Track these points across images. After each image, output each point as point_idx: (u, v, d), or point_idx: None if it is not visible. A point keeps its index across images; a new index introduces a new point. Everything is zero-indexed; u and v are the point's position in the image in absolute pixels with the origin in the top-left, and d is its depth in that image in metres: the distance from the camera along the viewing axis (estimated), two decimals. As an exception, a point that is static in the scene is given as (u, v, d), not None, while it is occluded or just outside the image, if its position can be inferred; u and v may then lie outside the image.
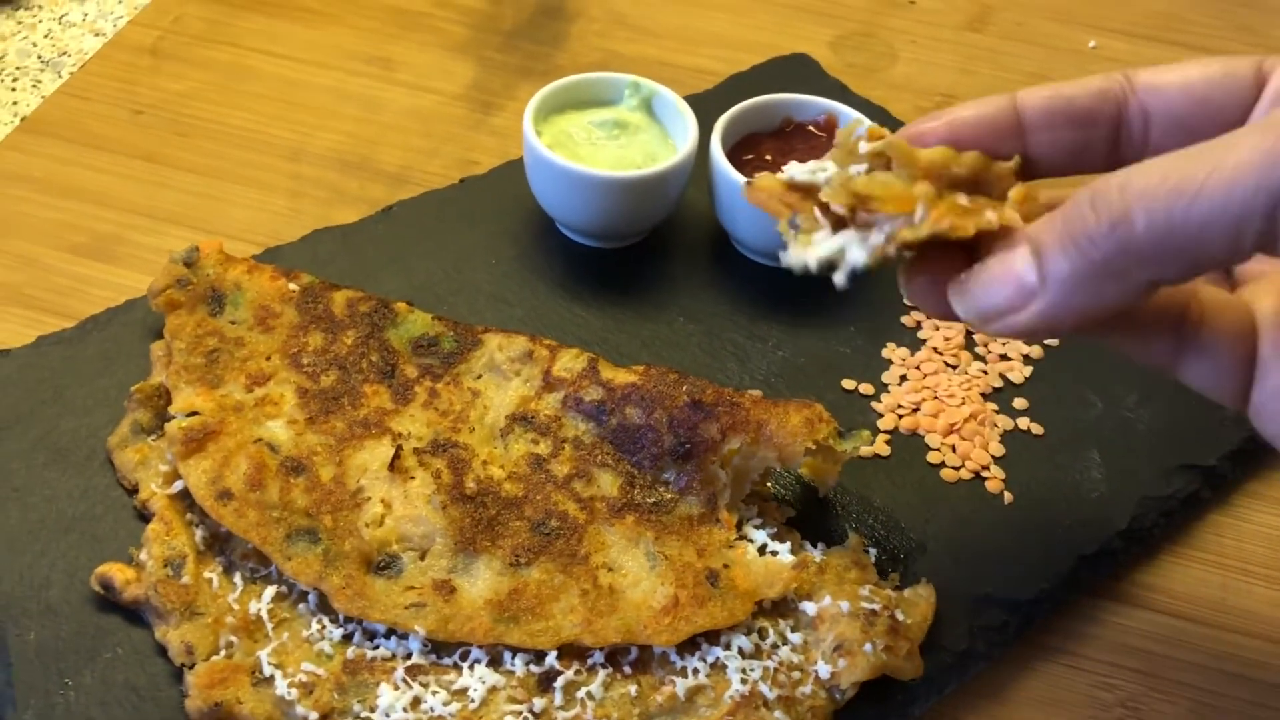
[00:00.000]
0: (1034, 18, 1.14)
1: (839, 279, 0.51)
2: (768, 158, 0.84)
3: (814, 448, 0.66)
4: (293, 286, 0.76)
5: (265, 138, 0.95)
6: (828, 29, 1.10)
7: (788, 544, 0.67)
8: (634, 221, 0.84)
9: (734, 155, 0.83)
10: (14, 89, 1.02)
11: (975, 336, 0.81)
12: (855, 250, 0.50)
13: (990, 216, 0.48)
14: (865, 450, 0.74)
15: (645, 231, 0.86)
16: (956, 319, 0.50)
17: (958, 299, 0.49)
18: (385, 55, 1.03)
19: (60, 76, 1.03)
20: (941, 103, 1.03)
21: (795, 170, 0.52)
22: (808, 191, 0.52)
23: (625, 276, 0.84)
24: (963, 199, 0.49)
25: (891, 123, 0.95)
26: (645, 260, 0.85)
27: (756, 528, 0.68)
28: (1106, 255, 0.43)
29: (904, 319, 0.82)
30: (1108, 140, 0.52)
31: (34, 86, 1.03)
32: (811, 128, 0.86)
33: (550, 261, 0.85)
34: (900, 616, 0.64)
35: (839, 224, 0.51)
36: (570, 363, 0.72)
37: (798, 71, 1.02)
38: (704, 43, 1.07)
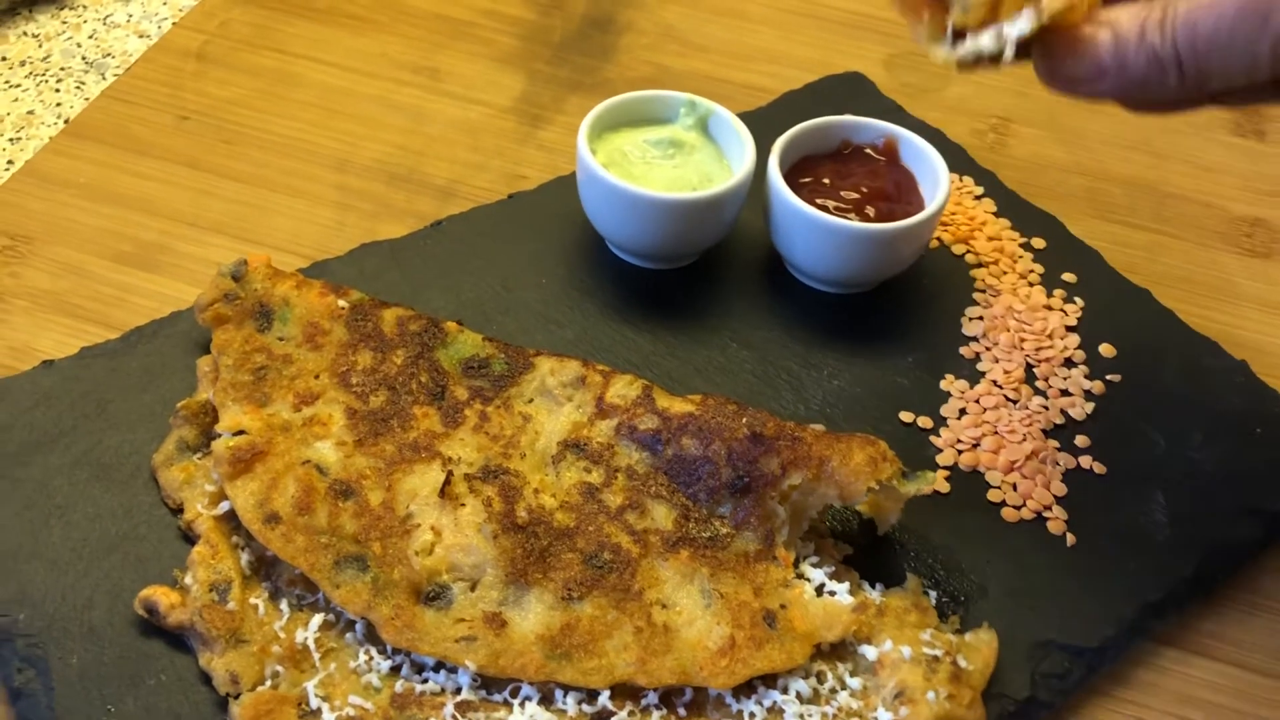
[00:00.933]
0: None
1: (1009, 53, 0.59)
2: (825, 181, 0.82)
3: (877, 487, 0.65)
4: (342, 303, 0.74)
5: (311, 147, 0.93)
6: (880, 47, 1.08)
7: (846, 584, 0.65)
8: (688, 243, 0.82)
9: (790, 177, 0.81)
10: (58, 90, 1.02)
11: (1035, 371, 0.79)
12: (1011, 27, 0.58)
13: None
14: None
15: (698, 253, 0.84)
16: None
17: (1053, 64, 0.57)
18: (433, 65, 1.02)
19: (104, 78, 1.02)
20: (997, 125, 1.01)
21: None
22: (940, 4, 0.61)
23: (677, 299, 0.82)
24: None
25: (949, 146, 0.93)
26: (697, 282, 0.83)
27: (814, 566, 0.66)
28: (1164, 62, 0.54)
29: (962, 350, 0.80)
30: None
31: (78, 88, 1.02)
32: (869, 150, 0.84)
33: (600, 281, 0.83)
34: (962, 663, 0.62)
35: (956, 36, 0.60)
36: (624, 390, 0.71)
37: (852, 91, 1.00)
38: (754, 58, 1.06)
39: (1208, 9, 0.53)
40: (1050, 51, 0.58)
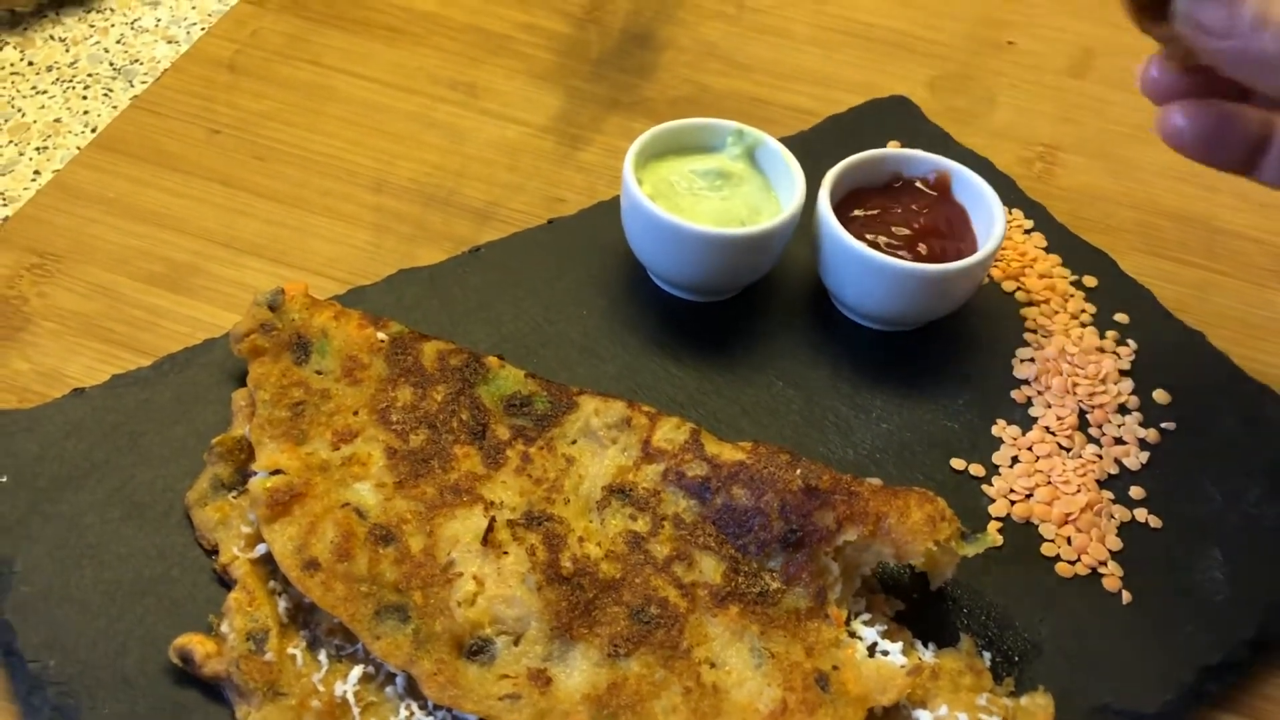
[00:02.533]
0: (1138, 64, 1.09)
1: None
2: (876, 215, 0.80)
3: (935, 548, 0.63)
4: (381, 336, 0.73)
5: (347, 165, 0.91)
6: (924, 68, 1.06)
7: (899, 644, 0.63)
8: (735, 277, 0.80)
9: (840, 210, 0.79)
10: (85, 97, 0.99)
11: (1089, 417, 0.77)
12: None
13: None
14: (977, 539, 0.70)
15: (744, 286, 0.82)
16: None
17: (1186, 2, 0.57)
18: (470, 81, 0.99)
19: (132, 85, 1.00)
20: (1044, 153, 0.99)
21: None
22: None
23: (721, 333, 0.80)
24: None
25: (996, 175, 0.91)
26: (742, 316, 0.81)
27: (866, 624, 0.64)
28: None
29: (1014, 393, 0.78)
30: None
31: (105, 95, 1.00)
32: (920, 184, 0.82)
33: (643, 314, 0.81)
34: (1019, 729, 0.60)
35: None
36: (671, 433, 0.69)
37: (898, 115, 0.98)
38: (797, 78, 1.03)
39: None
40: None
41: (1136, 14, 0.61)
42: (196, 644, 0.60)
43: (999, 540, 0.69)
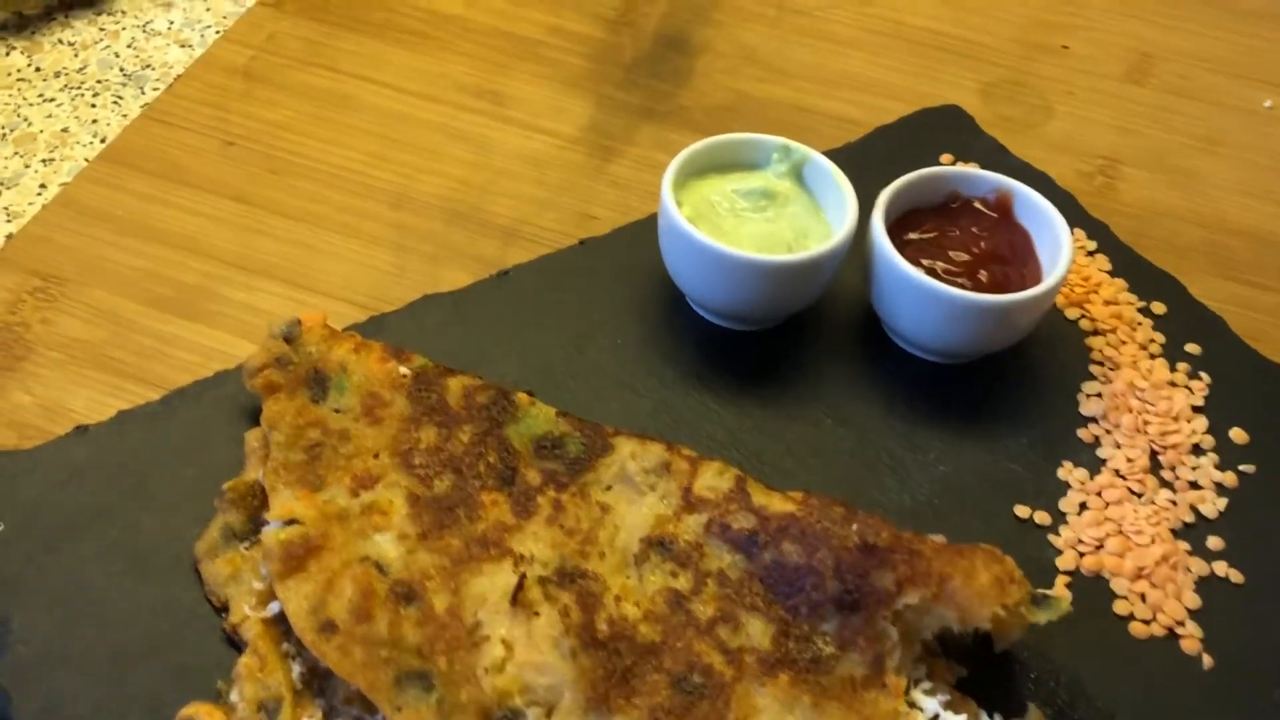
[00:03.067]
0: (1199, 70, 1.03)
1: None
2: (933, 238, 0.75)
3: (1003, 613, 0.58)
4: (404, 370, 0.68)
5: (367, 179, 0.86)
6: (974, 74, 1.00)
7: (963, 716, 0.58)
8: (781, 306, 0.75)
9: (894, 232, 0.74)
10: (94, 104, 0.95)
11: (1160, 458, 0.71)
12: None
13: None
14: (1045, 596, 0.65)
15: (789, 314, 0.77)
16: None
17: None
18: (496, 89, 0.94)
19: (143, 92, 0.96)
20: (1104, 167, 0.93)
21: None
22: None
23: (764, 365, 0.75)
24: None
25: (1056, 192, 0.85)
26: (787, 346, 0.76)
27: (926, 693, 0.59)
28: None
29: (1080, 432, 0.73)
30: None
31: (115, 103, 0.95)
32: (980, 204, 0.77)
33: (681, 344, 0.76)
34: (1096, 813, 0.55)
35: None
36: (714, 480, 0.64)
37: (950, 126, 0.92)
38: (840, 85, 0.98)
39: None
40: None
41: None
42: (204, 714, 0.56)
43: (1069, 602, 0.64)
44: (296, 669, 0.58)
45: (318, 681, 0.58)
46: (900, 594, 0.59)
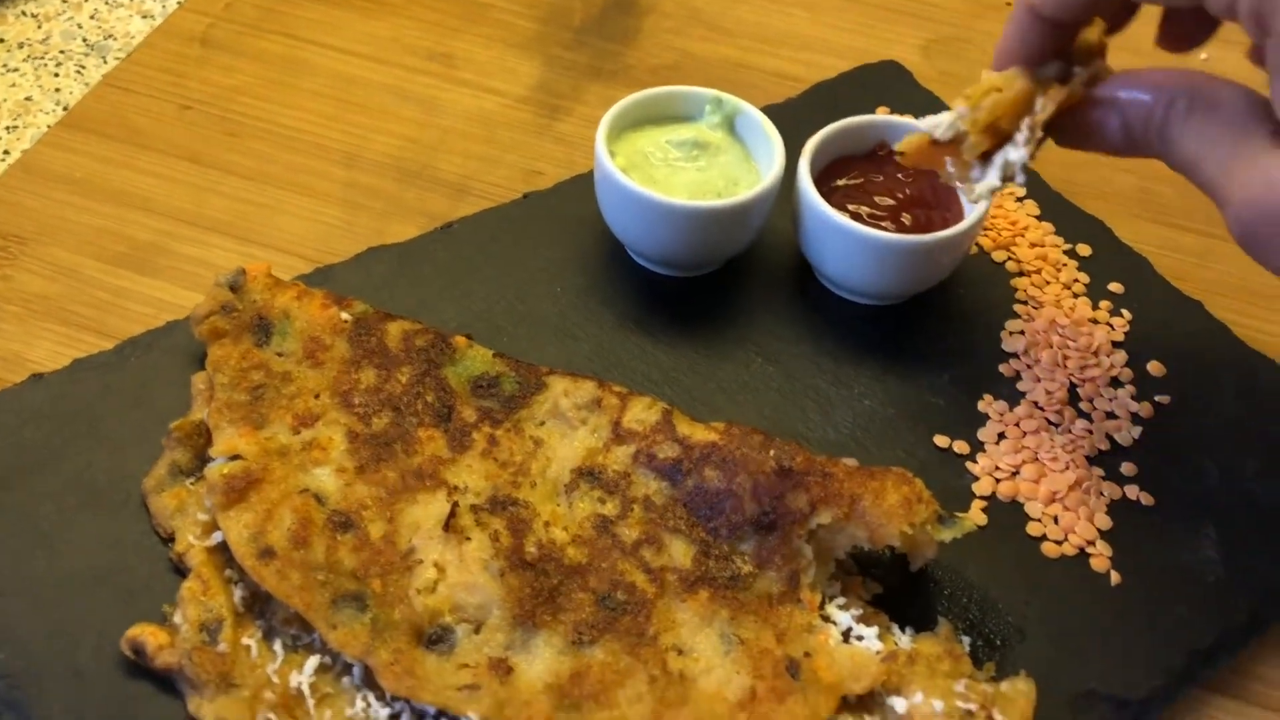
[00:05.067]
0: (1138, 24, 1.05)
1: (1019, 179, 0.63)
2: (859, 185, 0.77)
3: (910, 531, 0.60)
4: (345, 316, 0.71)
5: (319, 140, 0.89)
6: (918, 31, 1.03)
7: (874, 628, 0.61)
8: (712, 251, 0.78)
9: (822, 181, 0.76)
10: (57, 74, 0.98)
11: (1079, 391, 0.74)
12: (1015, 153, 0.62)
13: (1079, 91, 0.60)
14: (960, 520, 0.68)
15: (723, 261, 0.79)
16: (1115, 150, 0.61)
17: (1068, 143, 0.63)
18: (447, 51, 0.97)
19: (105, 62, 0.98)
20: (1041, 118, 0.95)
21: (933, 128, 0.64)
22: (948, 145, 0.64)
23: (699, 309, 0.78)
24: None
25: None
26: (721, 291, 0.79)
27: (840, 608, 0.62)
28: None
29: (1002, 367, 0.75)
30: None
31: (78, 73, 0.98)
32: (956, 184, 0.79)
33: (618, 291, 0.79)
34: (998, 717, 0.58)
35: (985, 155, 0.63)
36: (642, 414, 0.67)
37: (888, 81, 0.95)
38: (784, 43, 1.00)
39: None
40: (1064, 136, 0.62)
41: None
42: (149, 635, 0.59)
43: (979, 522, 0.67)
44: (238, 593, 0.61)
45: (258, 605, 0.61)
46: (814, 514, 0.61)
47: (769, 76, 0.96)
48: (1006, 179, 0.63)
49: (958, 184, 0.65)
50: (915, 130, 0.65)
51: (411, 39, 0.98)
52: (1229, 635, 0.64)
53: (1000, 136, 0.62)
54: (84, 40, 1.01)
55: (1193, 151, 0.57)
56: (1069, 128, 0.62)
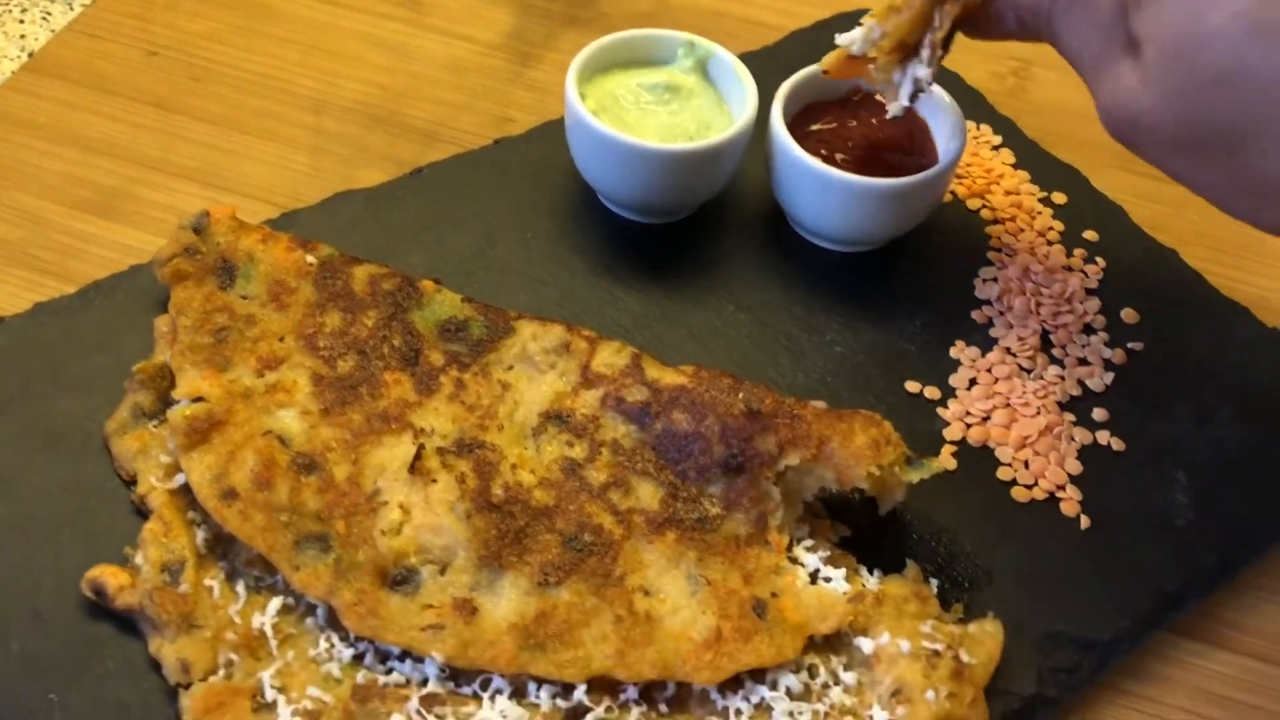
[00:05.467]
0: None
1: (926, 90, 0.69)
2: (832, 130, 0.76)
3: (878, 472, 0.60)
4: (310, 259, 0.70)
5: (286, 86, 0.88)
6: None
7: (842, 570, 0.61)
8: (684, 197, 0.77)
9: (795, 126, 0.75)
10: (22, 21, 0.96)
11: (1052, 338, 0.74)
12: (921, 70, 0.68)
13: None
14: (930, 464, 0.67)
15: (695, 206, 0.79)
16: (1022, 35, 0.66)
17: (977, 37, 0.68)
18: (418, -3, 0.96)
19: (71, 8, 0.97)
20: (1018, 69, 0.95)
21: (849, 44, 0.69)
22: (864, 59, 0.68)
23: (671, 256, 0.77)
24: None
25: (966, 91, 0.87)
26: (693, 238, 0.78)
27: (808, 550, 0.62)
28: None
29: (974, 314, 0.75)
30: None
31: (44, 19, 0.96)
32: (879, 97, 0.78)
33: (589, 237, 0.78)
34: (965, 657, 0.58)
35: (902, 57, 0.68)
36: (611, 358, 0.66)
37: (864, 30, 0.94)
38: (761, -8, 0.99)
39: None
40: (970, 29, 0.67)
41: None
42: (109, 576, 0.58)
43: (949, 465, 0.67)
44: (201, 535, 0.60)
45: (220, 547, 0.60)
46: (782, 456, 0.61)
47: (745, 24, 0.95)
48: (917, 93, 0.68)
49: (886, 92, 0.69)
50: (836, 46, 0.69)
51: (382, -15, 0.96)
52: (1197, 579, 0.65)
53: (908, 49, 0.67)
54: (49, -14, 0.99)
55: (1072, 47, 0.62)
56: (972, 23, 0.67)
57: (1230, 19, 0.51)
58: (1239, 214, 0.58)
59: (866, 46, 0.67)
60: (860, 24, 0.68)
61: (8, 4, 0.97)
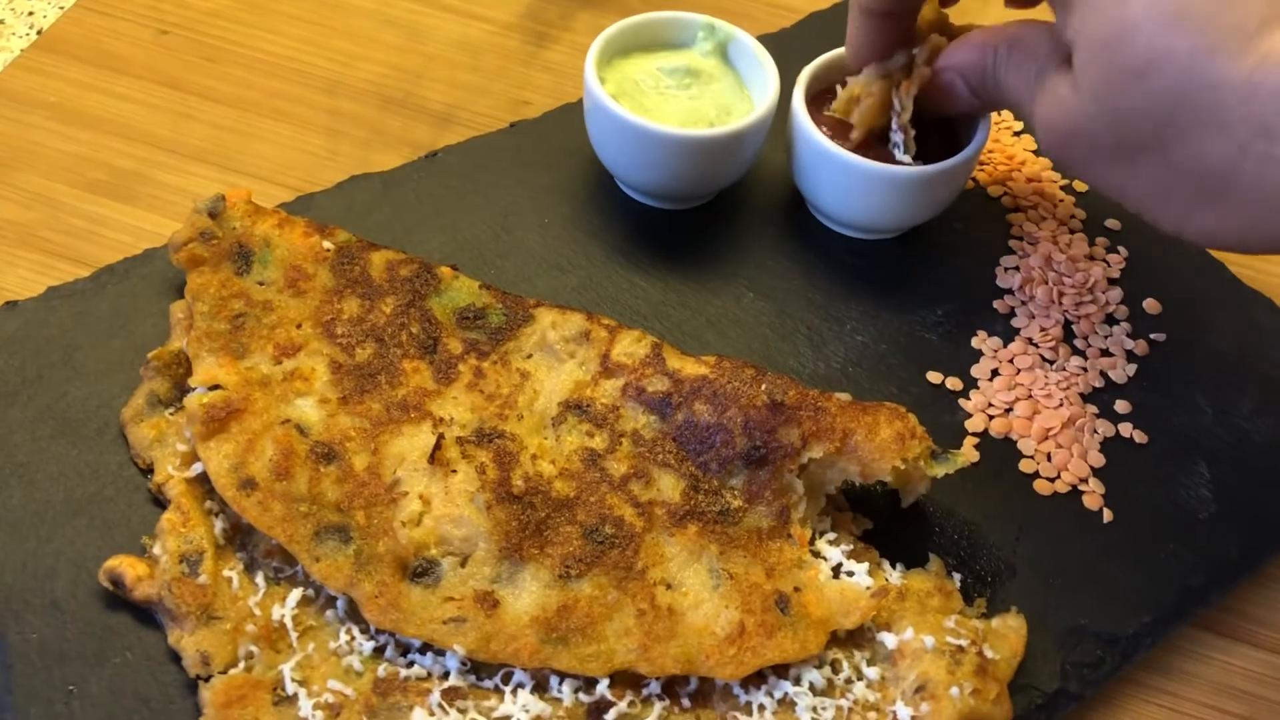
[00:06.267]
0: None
1: (907, 158, 0.72)
2: (853, 115, 0.75)
3: (902, 466, 0.60)
4: (327, 245, 0.69)
5: (301, 66, 0.87)
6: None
7: (865, 564, 0.60)
8: (704, 183, 0.76)
9: (816, 111, 0.74)
10: (31, -2, 0.95)
11: (1074, 328, 0.73)
12: (898, 149, 0.71)
13: (925, 71, 0.68)
14: (952, 456, 0.67)
15: (715, 192, 0.78)
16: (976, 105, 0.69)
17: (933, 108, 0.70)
18: (432, -24, 0.94)
19: (80, -16, 0.95)
20: (1039, 52, 0.93)
21: (834, 111, 0.74)
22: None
23: (689, 242, 0.76)
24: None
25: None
26: (712, 224, 0.77)
27: (831, 544, 0.61)
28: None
29: (996, 303, 0.74)
30: None
31: (52, -4, 0.95)
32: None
33: (608, 223, 0.77)
34: (988, 652, 0.57)
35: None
36: (631, 347, 0.65)
37: (884, 12, 0.92)
38: (779, -28, 0.98)
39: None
40: (929, 106, 0.69)
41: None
42: (127, 566, 0.58)
43: (973, 458, 0.67)
44: (219, 525, 0.60)
45: (239, 537, 0.60)
46: (805, 449, 0.61)
47: (764, 6, 0.94)
48: (905, 157, 0.71)
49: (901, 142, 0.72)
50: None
51: (395, -37, 0.95)
52: (1220, 573, 0.64)
53: (882, 125, 0.71)
54: (57, -38, 0.97)
55: (1015, 90, 0.63)
56: (928, 100, 0.69)
57: (1150, 7, 0.52)
58: (1175, 221, 0.57)
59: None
60: (825, 114, 0.74)
61: (15, -20, 0.96)
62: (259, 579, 0.58)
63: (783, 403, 0.61)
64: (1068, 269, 0.75)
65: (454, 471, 0.61)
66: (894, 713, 0.56)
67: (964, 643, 0.57)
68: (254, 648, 0.56)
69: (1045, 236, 0.77)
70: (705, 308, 0.73)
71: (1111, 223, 0.79)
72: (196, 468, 0.61)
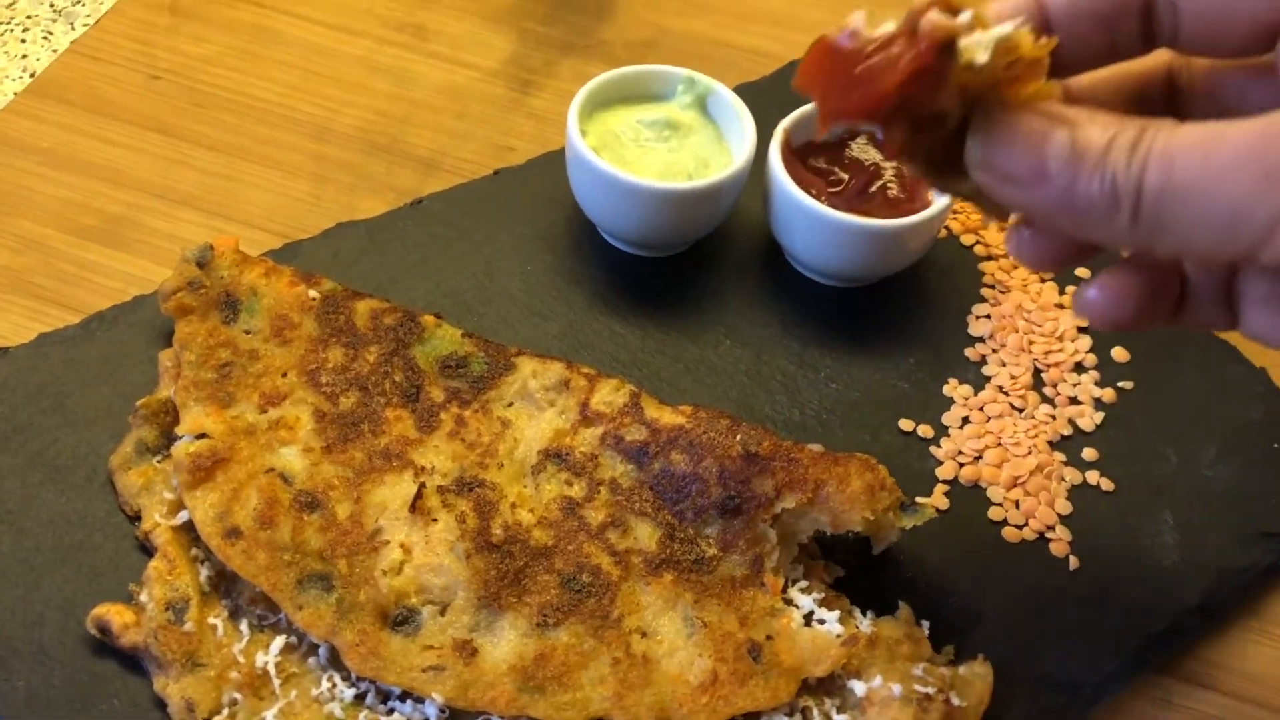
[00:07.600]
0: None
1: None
2: (830, 168, 0.77)
3: (872, 517, 0.61)
4: (313, 294, 0.70)
5: (288, 112, 0.88)
6: (893, 6, 1.02)
7: (835, 612, 0.62)
8: (682, 233, 0.78)
9: (794, 161, 0.76)
10: (24, 40, 0.96)
11: (1044, 376, 0.75)
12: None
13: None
14: (922, 504, 0.68)
15: (693, 241, 0.79)
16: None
17: (989, 149, 0.45)
18: (419, 22, 0.96)
19: (73, 29, 0.97)
20: (1013, 100, 0.95)
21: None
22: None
23: (668, 290, 0.78)
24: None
25: (961, 125, 0.88)
26: (691, 272, 0.79)
27: (803, 591, 0.63)
28: (1120, 195, 0.42)
29: (968, 351, 0.76)
30: (1138, 35, 0.49)
31: (45, 39, 0.96)
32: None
33: (588, 270, 0.79)
34: (955, 700, 0.59)
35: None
36: (610, 396, 0.67)
37: (861, 61, 0.94)
38: (759, 19, 1.00)
39: (1195, 146, 0.41)
40: (989, 130, 0.44)
41: (930, 173, 0.49)
42: (114, 614, 0.59)
43: (942, 506, 0.68)
44: (204, 573, 0.61)
45: (224, 584, 0.61)
46: (779, 499, 0.62)
47: (744, 54, 0.96)
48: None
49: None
50: None
51: (382, 9, 0.97)
52: (1184, 619, 0.66)
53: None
54: (52, 6, 0.99)
55: None
56: (998, 128, 0.45)
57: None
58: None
59: None
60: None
61: (9, 23, 0.97)
62: (243, 626, 0.60)
63: (756, 453, 0.63)
64: (1038, 317, 0.77)
65: (435, 520, 0.62)
66: (862, 759, 0.57)
67: (931, 690, 0.58)
68: (238, 695, 0.57)
69: (1016, 285, 0.79)
70: (684, 355, 0.75)
71: (1082, 272, 0.81)
72: (182, 516, 0.62)
